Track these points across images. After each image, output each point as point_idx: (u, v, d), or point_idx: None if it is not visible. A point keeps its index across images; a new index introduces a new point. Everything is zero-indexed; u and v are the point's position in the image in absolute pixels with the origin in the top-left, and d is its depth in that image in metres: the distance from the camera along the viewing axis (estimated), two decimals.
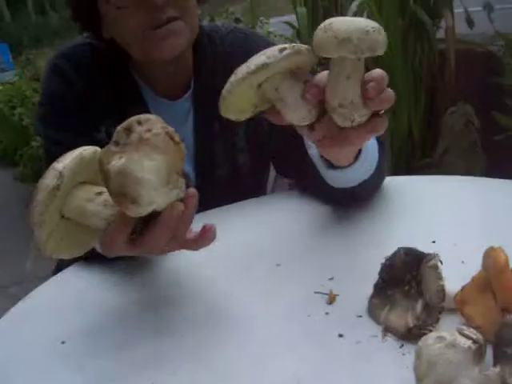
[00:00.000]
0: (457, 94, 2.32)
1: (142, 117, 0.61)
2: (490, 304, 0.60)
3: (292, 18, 3.03)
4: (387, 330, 0.65)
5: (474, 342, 0.52)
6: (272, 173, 1.23)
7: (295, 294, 0.74)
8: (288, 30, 3.13)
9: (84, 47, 1.06)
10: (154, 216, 0.63)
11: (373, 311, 0.67)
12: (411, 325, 0.62)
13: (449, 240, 0.80)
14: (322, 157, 0.86)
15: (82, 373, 0.67)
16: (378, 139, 0.88)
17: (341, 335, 0.65)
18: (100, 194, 0.66)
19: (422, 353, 0.52)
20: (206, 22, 3.21)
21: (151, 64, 1.01)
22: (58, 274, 0.92)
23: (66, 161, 0.65)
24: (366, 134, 0.68)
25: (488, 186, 0.99)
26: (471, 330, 0.53)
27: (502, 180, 0.97)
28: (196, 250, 0.70)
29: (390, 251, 0.70)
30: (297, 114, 0.67)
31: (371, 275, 0.70)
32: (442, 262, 0.64)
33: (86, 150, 0.66)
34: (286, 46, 0.64)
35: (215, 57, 1.07)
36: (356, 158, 0.82)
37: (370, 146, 0.85)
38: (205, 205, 0.77)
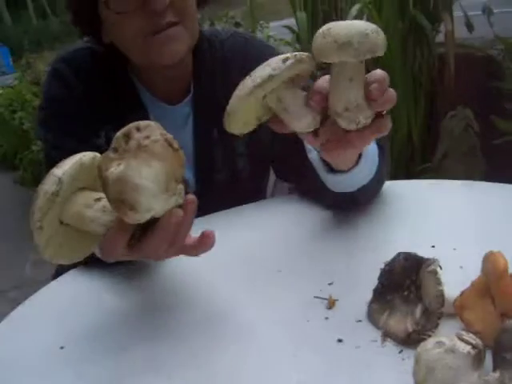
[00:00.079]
0: (456, 99, 2.33)
1: (141, 123, 0.61)
2: (489, 309, 0.60)
3: (292, 21, 3.03)
4: (386, 334, 0.65)
5: (474, 347, 0.52)
6: (272, 177, 1.23)
7: (295, 299, 0.74)
8: (288, 34, 3.14)
9: (84, 52, 1.06)
10: (152, 222, 0.63)
11: (372, 316, 0.67)
12: (410, 330, 0.63)
13: (448, 245, 0.80)
14: (322, 161, 0.86)
15: (81, 378, 0.67)
16: (378, 144, 0.88)
17: (340, 340, 0.65)
18: (99, 199, 0.66)
19: (421, 358, 0.52)
20: (206, 26, 3.22)
21: (151, 68, 1.01)
22: (58, 279, 0.91)
23: (66, 167, 0.65)
24: (371, 135, 0.68)
25: (487, 191, 0.99)
26: (470, 335, 0.53)
27: (501, 184, 0.97)
28: (195, 255, 0.70)
29: (389, 256, 0.70)
30: (302, 123, 0.68)
31: (370, 280, 0.70)
32: (441, 267, 0.64)
33: (86, 156, 0.66)
34: (288, 55, 0.65)
35: (214, 61, 1.07)
36: (356, 162, 0.83)
37: (370, 151, 0.85)
38: (204, 209, 0.77)
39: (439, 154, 2.29)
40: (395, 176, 2.29)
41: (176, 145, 0.61)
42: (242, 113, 0.67)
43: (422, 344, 0.54)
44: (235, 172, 1.09)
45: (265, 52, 1.08)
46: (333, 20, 0.65)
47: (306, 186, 1.00)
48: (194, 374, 0.65)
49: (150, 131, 0.60)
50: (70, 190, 0.66)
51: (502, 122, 2.26)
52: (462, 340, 0.52)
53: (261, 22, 3.73)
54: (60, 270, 0.98)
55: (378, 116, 0.67)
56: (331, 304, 0.72)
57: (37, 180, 4.01)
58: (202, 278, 0.82)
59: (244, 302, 0.76)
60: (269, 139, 1.04)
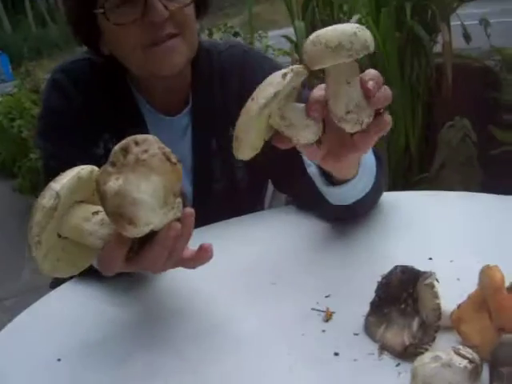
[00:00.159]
0: (454, 109, 2.34)
1: (139, 137, 0.61)
2: (486, 322, 0.60)
3: (290, 31, 3.05)
4: (383, 348, 0.64)
5: (470, 361, 0.52)
6: (270, 187, 1.23)
7: (292, 311, 0.74)
8: (286, 43, 3.15)
9: (83, 62, 1.06)
10: (151, 235, 0.63)
11: (369, 329, 0.67)
12: (407, 343, 0.63)
13: (445, 256, 0.80)
14: (321, 174, 0.86)
15: None
16: (376, 155, 0.89)
17: (337, 353, 0.65)
18: (97, 213, 0.66)
19: (418, 373, 0.52)
20: (204, 36, 3.23)
21: (149, 80, 1.01)
22: (56, 289, 0.91)
23: (63, 180, 0.65)
24: (375, 134, 0.69)
25: (484, 202, 0.99)
26: (467, 349, 0.53)
27: (498, 196, 0.97)
28: (193, 268, 0.71)
29: (386, 268, 0.70)
30: (307, 133, 0.69)
31: (368, 293, 0.70)
32: (438, 281, 0.65)
33: (83, 170, 0.66)
34: (285, 71, 0.65)
35: (213, 73, 1.08)
36: (354, 173, 0.83)
37: (368, 161, 0.86)
38: (202, 219, 0.77)
39: (437, 164, 2.30)
40: (393, 186, 2.30)
41: (174, 159, 0.61)
42: (251, 137, 0.67)
43: (419, 358, 0.54)
44: (233, 183, 1.10)
45: (263, 63, 1.09)
46: None
47: (305, 198, 1.00)
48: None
49: (148, 145, 0.60)
50: (68, 204, 0.66)
51: (500, 132, 2.27)
52: (459, 354, 0.52)
53: (259, 31, 3.74)
54: (58, 279, 0.98)
55: (378, 114, 0.68)
56: (328, 316, 0.72)
57: (35, 188, 4.01)
58: (199, 290, 0.82)
59: (241, 313, 0.76)
60: (267, 151, 1.04)
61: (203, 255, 0.69)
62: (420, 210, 0.98)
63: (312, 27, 2.87)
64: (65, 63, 1.08)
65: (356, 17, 2.34)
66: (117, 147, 0.61)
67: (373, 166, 0.88)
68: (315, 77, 0.70)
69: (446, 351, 0.53)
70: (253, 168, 1.09)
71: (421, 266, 0.68)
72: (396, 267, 0.69)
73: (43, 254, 0.66)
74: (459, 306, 0.64)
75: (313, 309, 0.73)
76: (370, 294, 0.69)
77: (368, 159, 0.85)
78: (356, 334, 0.68)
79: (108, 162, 0.61)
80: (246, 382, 0.64)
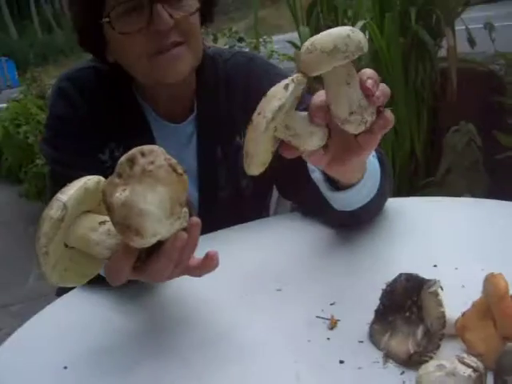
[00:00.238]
0: (459, 113, 2.33)
1: (145, 148, 0.61)
2: (490, 331, 0.60)
3: (295, 36, 3.05)
4: (388, 356, 0.65)
5: (475, 370, 0.52)
6: (275, 194, 1.24)
7: (297, 319, 0.74)
8: (291, 48, 3.15)
9: (88, 71, 1.07)
10: (157, 245, 0.64)
11: (374, 337, 0.68)
12: (412, 351, 0.63)
13: (450, 264, 0.80)
14: (326, 180, 0.86)
15: None
16: (380, 160, 0.89)
17: (342, 361, 0.65)
18: (103, 223, 0.66)
19: (423, 381, 0.52)
20: (209, 41, 3.24)
21: (155, 87, 1.02)
22: (62, 297, 0.92)
23: (70, 191, 0.65)
24: (379, 132, 0.70)
25: (489, 208, 0.99)
26: (472, 358, 0.54)
27: (502, 202, 0.97)
28: (199, 276, 0.71)
29: (391, 275, 0.70)
30: (313, 140, 0.70)
31: (372, 300, 0.70)
32: (442, 288, 0.65)
33: (90, 180, 0.67)
34: (287, 82, 0.66)
35: (218, 80, 1.08)
36: (359, 178, 0.83)
37: (372, 167, 0.86)
38: (208, 226, 0.78)
39: (442, 168, 2.30)
40: (398, 190, 2.30)
41: (180, 170, 0.61)
42: (261, 153, 0.68)
43: (424, 367, 0.54)
44: (239, 190, 1.10)
45: (268, 70, 1.09)
46: None
47: (309, 204, 1.01)
48: None
49: (154, 156, 0.61)
50: (75, 215, 0.66)
51: (504, 136, 2.27)
52: (463, 363, 0.53)
53: (264, 36, 3.75)
54: (64, 286, 0.98)
55: (379, 112, 0.69)
56: (333, 324, 0.72)
57: (41, 193, 4.03)
58: (205, 297, 0.83)
59: (246, 321, 0.76)
60: (272, 159, 1.04)
61: (209, 263, 0.69)
62: (425, 217, 0.98)
63: (316, 32, 2.87)
64: (70, 71, 1.08)
65: (361, 22, 2.34)
66: (123, 158, 0.61)
67: (377, 171, 0.88)
68: (316, 81, 0.71)
69: (450, 360, 0.53)
70: (258, 176, 1.10)
71: (425, 273, 0.68)
72: (400, 275, 0.69)
73: (51, 265, 0.66)
74: (464, 314, 0.64)
75: (317, 316, 0.74)
76: (374, 301, 0.70)
77: (372, 165, 0.86)
78: (361, 342, 0.68)
79: (114, 173, 0.62)
80: None
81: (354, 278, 0.82)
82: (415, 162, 2.49)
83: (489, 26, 2.60)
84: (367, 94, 0.67)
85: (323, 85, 0.69)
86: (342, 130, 0.70)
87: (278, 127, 0.68)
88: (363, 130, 0.69)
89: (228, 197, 1.09)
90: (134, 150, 0.61)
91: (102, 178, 0.68)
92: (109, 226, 0.65)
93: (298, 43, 2.94)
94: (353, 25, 2.49)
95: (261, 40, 3.65)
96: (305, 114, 0.70)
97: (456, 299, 0.65)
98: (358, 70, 0.69)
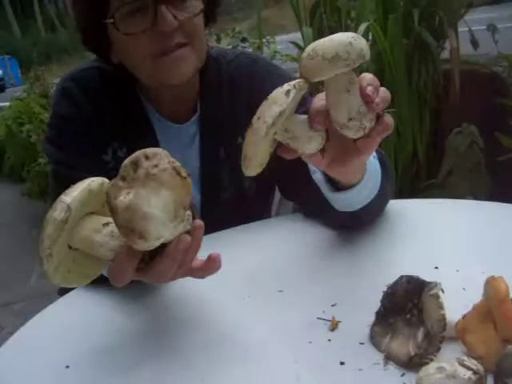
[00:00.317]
0: (461, 115, 2.33)
1: (149, 151, 0.61)
2: (491, 333, 0.61)
3: (298, 36, 3.06)
4: (389, 358, 0.65)
5: (475, 372, 0.53)
6: (277, 195, 1.24)
7: (298, 320, 0.75)
8: (294, 49, 3.16)
9: (92, 71, 1.08)
10: (161, 247, 0.64)
11: (374, 339, 0.68)
12: (412, 353, 0.63)
13: (451, 266, 0.80)
14: (327, 181, 0.87)
15: None
16: (381, 162, 0.89)
17: (342, 363, 0.66)
18: (107, 224, 0.66)
19: (423, 383, 0.53)
20: (212, 41, 3.24)
21: (158, 88, 1.02)
22: (64, 296, 0.92)
23: (74, 193, 0.65)
24: (377, 136, 0.70)
25: (490, 210, 0.99)
26: (472, 360, 0.54)
27: (504, 204, 0.98)
28: (201, 278, 0.71)
29: (392, 277, 0.70)
30: (312, 144, 0.70)
31: (373, 302, 0.70)
32: (443, 291, 0.65)
33: (94, 182, 0.67)
34: (288, 87, 0.66)
35: (221, 81, 1.08)
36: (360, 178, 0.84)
37: (373, 168, 0.86)
38: (210, 227, 0.78)
39: (444, 170, 2.30)
40: (400, 192, 2.30)
41: (184, 173, 0.62)
42: (260, 156, 0.69)
43: (424, 369, 0.54)
44: (241, 191, 1.10)
45: (271, 72, 1.09)
46: None
47: (311, 205, 1.01)
48: None
49: (158, 160, 0.61)
50: (79, 216, 0.67)
51: (507, 138, 2.27)
52: (463, 365, 0.53)
53: (267, 37, 3.75)
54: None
55: (379, 117, 0.70)
56: (334, 326, 0.72)
57: (44, 192, 4.03)
58: (207, 298, 0.83)
59: (248, 322, 0.77)
60: (273, 161, 1.05)
61: (212, 265, 0.70)
62: (426, 219, 0.99)
63: (319, 33, 2.88)
64: (74, 71, 1.09)
65: (364, 24, 2.34)
66: (127, 161, 0.62)
67: (378, 172, 0.88)
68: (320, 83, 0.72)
69: (450, 362, 0.54)
70: (260, 177, 1.10)
71: (427, 275, 0.68)
72: (401, 277, 0.69)
73: (54, 267, 0.66)
74: (464, 317, 0.64)
75: (319, 318, 0.74)
76: (375, 303, 0.70)
77: (373, 166, 0.86)
78: (361, 344, 0.68)
79: (118, 176, 0.62)
80: None
81: (355, 279, 0.82)
82: (417, 164, 2.49)
83: (492, 28, 2.60)
84: (367, 100, 0.67)
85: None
86: (340, 134, 0.70)
87: (278, 132, 0.69)
88: (362, 136, 0.69)
89: (230, 198, 1.10)
90: (138, 153, 0.61)
91: (105, 180, 0.68)
92: (112, 227, 0.65)
93: (301, 44, 2.94)
94: (356, 26, 2.49)
95: (264, 40, 3.65)
96: (304, 117, 0.70)
97: (457, 302, 0.65)
98: (361, 72, 0.69)
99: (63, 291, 0.96)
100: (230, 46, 3.51)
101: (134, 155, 0.61)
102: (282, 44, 3.96)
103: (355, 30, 2.41)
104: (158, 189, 0.59)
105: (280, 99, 0.66)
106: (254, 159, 0.68)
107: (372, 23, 2.38)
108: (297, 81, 0.67)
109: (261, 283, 0.85)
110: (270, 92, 0.69)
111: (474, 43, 2.59)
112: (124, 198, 0.59)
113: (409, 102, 2.37)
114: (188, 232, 0.65)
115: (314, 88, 0.76)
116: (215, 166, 1.08)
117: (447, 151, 2.32)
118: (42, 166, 4.06)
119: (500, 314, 0.59)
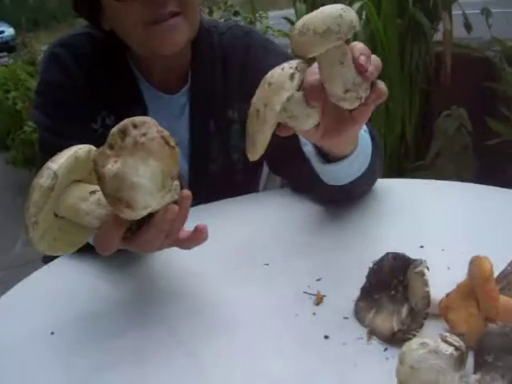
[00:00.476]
0: (451, 98, 2.34)
1: (138, 119, 0.60)
2: (473, 311, 0.62)
3: (290, 12, 3.02)
4: (372, 332, 0.66)
5: (456, 348, 0.53)
6: (265, 169, 1.24)
7: (283, 294, 0.75)
8: (286, 24, 3.13)
9: (83, 37, 1.05)
10: (148, 217, 0.63)
11: (359, 314, 0.69)
12: (396, 329, 0.64)
13: (437, 245, 0.81)
14: (318, 153, 0.86)
15: (69, 364, 0.68)
16: (371, 135, 0.89)
17: (327, 336, 0.66)
18: (94, 192, 0.66)
19: (405, 358, 0.53)
20: (204, 15, 3.20)
21: (149, 57, 1.01)
22: (49, 264, 0.92)
23: (61, 160, 0.64)
24: (372, 103, 0.70)
25: (477, 192, 1.00)
26: (454, 337, 0.54)
27: (491, 187, 0.98)
28: (188, 249, 0.71)
29: (378, 254, 0.71)
30: (310, 121, 0.70)
31: (359, 278, 0.71)
32: (428, 268, 0.66)
33: (81, 150, 0.66)
34: (292, 71, 0.66)
35: (213, 53, 1.07)
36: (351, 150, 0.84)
37: (364, 143, 0.86)
38: (197, 199, 0.78)
39: (432, 152, 2.31)
40: (388, 173, 2.31)
41: (172, 142, 0.61)
42: (266, 142, 0.69)
43: (407, 344, 0.55)
44: (230, 163, 1.10)
45: (267, 47, 1.08)
46: None
47: (300, 179, 1.01)
48: (182, 364, 0.66)
49: (146, 128, 0.60)
50: (65, 184, 0.66)
51: (495, 123, 2.28)
52: (446, 341, 0.53)
53: (260, 12, 3.71)
54: None
55: (372, 84, 0.70)
56: (319, 300, 0.73)
57: (29, 161, 3.99)
58: (192, 269, 0.83)
59: (233, 294, 0.77)
60: None
61: (198, 236, 0.70)
62: (414, 198, 0.99)
63: (313, 9, 2.85)
64: (64, 37, 1.06)
65: (358, 3, 2.32)
66: (115, 129, 0.60)
67: (368, 146, 0.88)
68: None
69: (433, 338, 0.54)
70: None
71: (412, 253, 0.69)
72: (387, 254, 0.70)
73: (40, 235, 0.66)
74: (448, 295, 0.65)
75: (304, 292, 0.74)
76: (360, 279, 0.71)
77: (364, 140, 0.86)
78: (346, 318, 0.69)
79: (106, 144, 0.61)
80: (236, 361, 0.65)
81: (341, 254, 0.83)
82: (405, 146, 2.50)
83: (486, 12, 2.60)
84: (360, 70, 0.67)
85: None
86: (335, 106, 0.70)
87: None
88: (358, 105, 0.69)
89: (219, 170, 1.09)
90: (126, 121, 0.60)
91: (92, 148, 0.67)
92: (99, 195, 0.64)
93: (294, 20, 2.91)
94: (350, 5, 2.47)
95: (256, 15, 3.61)
96: (300, 94, 0.70)
97: (441, 280, 0.66)
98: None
99: (48, 259, 0.95)
100: (222, 20, 3.47)
101: (121, 123, 0.60)
102: (274, 20, 3.92)
103: None
104: (145, 158, 0.59)
105: (286, 84, 0.65)
106: (262, 146, 0.68)
107: (366, 2, 2.36)
108: (296, 62, 0.66)
109: (247, 256, 0.86)
110: (266, 69, 0.68)
111: (468, 26, 2.59)
112: (112, 167, 0.59)
113: (400, 83, 2.37)
114: (176, 202, 0.65)
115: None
116: (205, 138, 1.07)
117: (436, 133, 2.33)
118: (27, 134, 4.02)
119: (483, 293, 0.60)
